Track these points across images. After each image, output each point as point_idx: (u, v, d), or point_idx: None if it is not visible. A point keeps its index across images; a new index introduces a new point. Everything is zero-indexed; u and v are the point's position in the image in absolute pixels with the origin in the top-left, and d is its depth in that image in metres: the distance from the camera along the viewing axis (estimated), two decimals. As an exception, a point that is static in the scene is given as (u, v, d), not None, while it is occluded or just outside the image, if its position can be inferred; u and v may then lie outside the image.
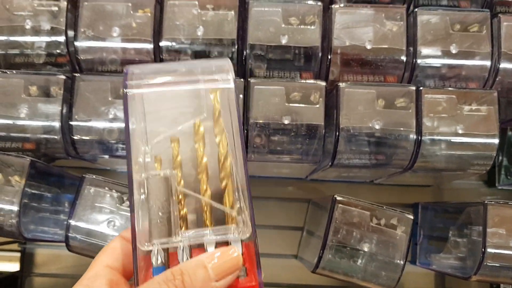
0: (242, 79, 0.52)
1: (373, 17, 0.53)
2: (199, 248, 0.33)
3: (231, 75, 0.34)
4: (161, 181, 0.32)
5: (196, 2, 0.53)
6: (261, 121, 0.51)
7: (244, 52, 0.53)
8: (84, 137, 0.52)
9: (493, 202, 0.49)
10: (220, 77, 0.34)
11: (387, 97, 0.52)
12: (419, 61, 0.52)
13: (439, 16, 0.53)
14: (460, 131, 0.51)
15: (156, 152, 0.34)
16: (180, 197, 0.33)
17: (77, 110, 0.52)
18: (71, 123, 0.52)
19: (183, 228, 0.33)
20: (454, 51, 0.52)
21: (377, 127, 0.51)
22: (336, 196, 0.50)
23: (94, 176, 0.52)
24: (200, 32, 0.53)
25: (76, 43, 0.53)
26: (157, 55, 0.53)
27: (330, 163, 0.52)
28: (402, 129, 0.51)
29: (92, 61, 0.54)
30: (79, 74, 0.53)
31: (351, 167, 0.54)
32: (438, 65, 0.52)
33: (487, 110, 0.51)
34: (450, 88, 0.52)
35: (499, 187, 0.67)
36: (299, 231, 0.70)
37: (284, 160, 0.53)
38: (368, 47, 0.52)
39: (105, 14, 0.53)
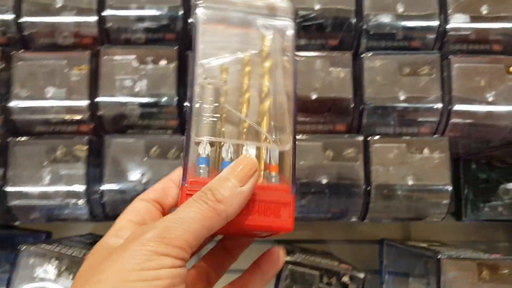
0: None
1: (321, 65, 0.50)
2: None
3: (292, 21, 0.36)
4: (214, 89, 0.35)
5: (134, 56, 0.51)
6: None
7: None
8: (19, 203, 0.50)
9: (446, 256, 0.47)
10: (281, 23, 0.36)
11: (336, 148, 0.50)
12: (366, 107, 0.50)
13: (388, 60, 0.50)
14: (410, 182, 0.49)
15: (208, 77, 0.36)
16: (224, 115, 0.36)
17: (12, 175, 0.50)
18: (4, 189, 0.50)
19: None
20: (403, 98, 0.49)
21: (324, 181, 0.49)
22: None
23: (32, 248, 0.49)
24: (138, 87, 0.50)
25: (9, 104, 0.50)
26: (94, 111, 0.51)
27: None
28: (349, 182, 0.49)
29: (28, 122, 0.51)
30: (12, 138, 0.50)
31: (305, 220, 0.52)
32: (388, 113, 0.50)
33: (439, 158, 0.49)
34: (402, 138, 0.50)
35: (466, 221, 0.65)
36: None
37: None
38: (313, 97, 0.50)
39: (40, 74, 0.51)
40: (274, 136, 0.35)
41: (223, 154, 0.34)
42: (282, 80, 0.36)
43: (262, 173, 0.35)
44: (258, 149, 0.34)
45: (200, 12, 0.35)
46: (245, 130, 0.36)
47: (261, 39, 0.36)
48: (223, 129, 0.36)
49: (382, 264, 0.65)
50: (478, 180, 0.63)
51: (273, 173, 0.34)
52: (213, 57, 0.37)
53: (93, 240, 0.62)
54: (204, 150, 0.34)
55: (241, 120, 0.37)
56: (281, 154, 0.34)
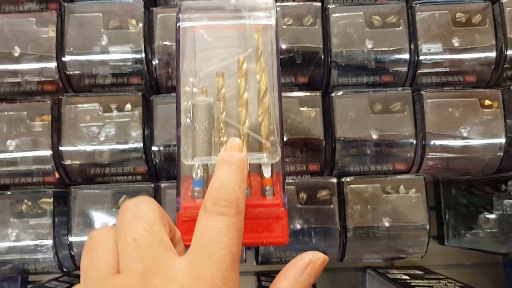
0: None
1: (291, 105, 0.49)
2: None
3: (274, 13, 0.38)
4: (205, 107, 0.37)
5: (97, 104, 0.49)
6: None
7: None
8: (-13, 261, 0.48)
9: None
10: (263, 14, 0.39)
11: (309, 191, 0.49)
12: (338, 146, 0.49)
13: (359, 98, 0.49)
14: (387, 223, 0.48)
15: (203, 85, 0.39)
16: (221, 125, 0.39)
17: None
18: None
19: None
20: (375, 136, 0.48)
21: (298, 226, 0.47)
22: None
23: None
24: (103, 135, 0.49)
25: (-30, 159, 0.49)
26: (58, 161, 0.49)
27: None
28: (326, 225, 0.48)
29: (-10, 176, 0.49)
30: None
31: (283, 262, 0.50)
32: (361, 151, 0.49)
33: (415, 197, 0.48)
34: (376, 177, 0.49)
35: (448, 246, 0.64)
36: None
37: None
38: (284, 138, 0.48)
39: (2, 126, 0.49)
40: (272, 138, 0.38)
41: None
42: (273, 74, 0.38)
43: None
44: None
45: (182, 24, 0.38)
46: (244, 137, 0.40)
47: (256, 32, 0.40)
48: (223, 139, 0.40)
49: (365, 292, 0.64)
50: (459, 205, 0.62)
51: (267, 187, 0.36)
52: (208, 62, 0.40)
53: (69, 282, 0.61)
54: (198, 172, 0.36)
55: (240, 130, 0.40)
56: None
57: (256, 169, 0.42)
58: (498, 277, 0.67)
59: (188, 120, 0.38)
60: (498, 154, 0.49)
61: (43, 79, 0.50)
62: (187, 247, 0.35)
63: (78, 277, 0.64)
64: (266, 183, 0.37)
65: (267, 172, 0.37)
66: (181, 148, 0.37)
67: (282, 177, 0.36)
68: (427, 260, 0.66)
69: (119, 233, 0.26)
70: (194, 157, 0.37)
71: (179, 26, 0.39)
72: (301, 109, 0.49)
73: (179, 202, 0.36)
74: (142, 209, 0.26)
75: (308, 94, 0.49)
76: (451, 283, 0.53)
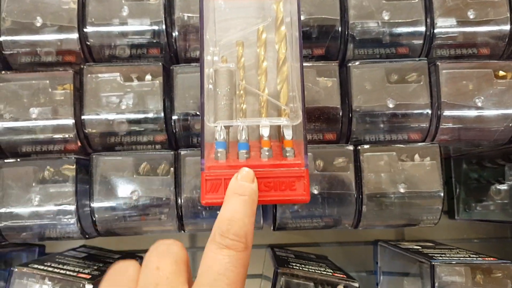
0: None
1: (308, 75, 0.50)
2: (255, 140, 0.41)
3: None
4: (227, 72, 0.38)
5: (119, 73, 0.50)
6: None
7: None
8: (10, 225, 0.50)
9: (439, 262, 0.47)
10: None
11: (326, 158, 0.50)
12: (355, 116, 0.49)
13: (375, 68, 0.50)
14: (402, 189, 0.49)
15: (223, 54, 0.41)
16: (242, 92, 0.40)
17: (0, 196, 0.50)
18: (-5, 212, 0.49)
19: (242, 118, 0.40)
20: (391, 106, 0.49)
21: (315, 192, 0.49)
22: (278, 269, 0.48)
23: (24, 269, 0.49)
24: (124, 104, 0.50)
25: (-6, 126, 0.50)
26: (80, 130, 0.50)
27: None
28: (342, 191, 0.49)
29: (14, 143, 0.50)
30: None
31: (299, 229, 0.52)
32: (377, 121, 0.50)
33: (430, 164, 0.49)
34: (392, 145, 0.50)
35: (458, 220, 0.65)
36: (258, 278, 0.69)
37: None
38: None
39: (24, 94, 0.50)
40: (292, 105, 0.39)
41: (238, 136, 0.38)
42: (294, 45, 0.39)
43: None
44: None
45: None
46: (263, 104, 0.41)
47: (276, 3, 0.41)
48: (244, 106, 0.41)
49: (377, 265, 0.65)
50: (470, 179, 0.63)
51: (288, 148, 0.37)
52: (228, 32, 0.42)
53: (87, 253, 0.62)
54: (220, 134, 0.37)
55: (260, 97, 0.41)
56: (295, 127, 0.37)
57: (274, 135, 0.43)
58: (507, 250, 0.68)
59: (210, 86, 0.39)
60: (511, 124, 0.50)
61: (64, 50, 0.51)
62: (208, 205, 0.37)
63: (94, 248, 0.65)
64: (287, 145, 0.38)
65: (288, 134, 0.39)
66: (204, 112, 0.38)
67: (304, 139, 0.37)
68: (437, 234, 0.68)
69: (145, 261, 0.28)
70: (217, 120, 0.38)
71: None
72: (318, 79, 0.50)
73: (203, 163, 0.37)
74: (174, 248, 0.29)
75: (325, 64, 0.50)
76: (463, 251, 0.54)
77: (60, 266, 0.51)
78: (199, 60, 0.50)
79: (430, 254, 0.51)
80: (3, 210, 0.49)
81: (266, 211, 0.51)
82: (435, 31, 0.50)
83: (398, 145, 0.50)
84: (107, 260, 0.59)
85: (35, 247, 0.64)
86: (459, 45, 0.51)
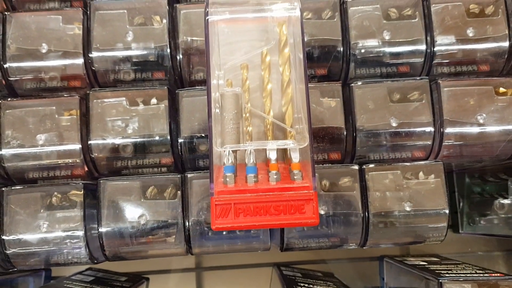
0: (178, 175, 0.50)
1: (311, 96, 0.50)
2: (262, 162, 0.41)
3: (298, 5, 0.40)
4: (233, 96, 0.39)
5: (124, 98, 0.50)
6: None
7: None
8: (18, 251, 0.50)
9: (447, 279, 0.48)
10: (288, 7, 0.41)
11: (331, 178, 0.50)
12: (359, 135, 0.50)
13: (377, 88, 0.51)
14: (407, 207, 0.49)
15: (228, 77, 0.42)
16: (248, 115, 0.41)
17: (8, 223, 0.50)
18: (1, 237, 0.49)
19: (249, 141, 0.40)
20: (394, 124, 0.50)
21: (322, 212, 0.49)
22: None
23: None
24: (130, 128, 0.50)
25: (1, 152, 0.50)
26: (87, 155, 0.50)
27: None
28: (348, 211, 0.49)
29: (20, 169, 0.51)
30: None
31: (306, 249, 0.52)
32: (381, 140, 0.50)
33: (434, 182, 0.50)
34: (396, 164, 0.50)
35: (463, 234, 0.66)
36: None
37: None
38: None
39: (30, 121, 0.50)
40: (298, 126, 0.40)
41: (246, 160, 0.38)
42: (298, 67, 0.40)
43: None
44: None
45: (211, 17, 0.41)
46: (269, 126, 0.42)
47: (278, 26, 0.42)
48: (249, 128, 0.42)
49: (383, 281, 0.65)
50: (473, 193, 0.64)
51: (296, 171, 0.38)
52: (232, 55, 0.42)
53: (93, 276, 0.62)
54: (229, 158, 0.38)
55: (265, 120, 0.42)
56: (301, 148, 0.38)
57: (280, 157, 0.43)
58: (511, 264, 0.69)
59: (217, 110, 0.40)
60: (513, 140, 0.50)
61: (69, 75, 0.52)
62: (218, 230, 0.37)
63: (100, 271, 0.65)
64: (294, 168, 0.39)
65: (295, 157, 0.39)
66: (212, 136, 0.38)
67: (311, 161, 0.38)
68: (441, 248, 0.68)
69: None
70: (224, 144, 0.38)
71: (207, 20, 0.41)
72: (322, 99, 0.51)
73: (213, 188, 0.37)
74: None
75: (328, 84, 0.50)
76: (469, 267, 0.55)
77: (69, 292, 0.51)
78: (203, 82, 0.51)
79: (437, 271, 0.51)
80: (11, 237, 0.49)
81: (273, 232, 0.52)
82: (435, 49, 0.51)
83: (403, 164, 0.50)
84: (114, 284, 0.59)
85: (42, 272, 0.64)
86: (459, 62, 0.52)
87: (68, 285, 0.54)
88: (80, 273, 0.62)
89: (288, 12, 0.43)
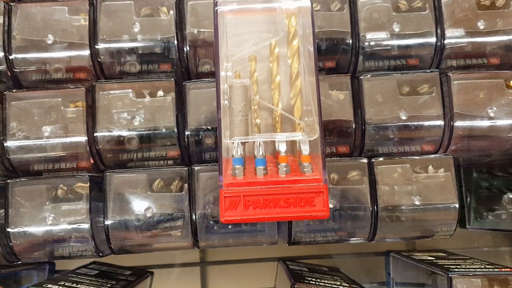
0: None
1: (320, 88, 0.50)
2: (271, 155, 0.41)
3: None
4: (241, 88, 0.38)
5: (131, 89, 0.50)
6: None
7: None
8: (23, 244, 0.49)
9: (456, 274, 0.47)
10: None
11: (340, 171, 0.50)
12: (368, 128, 0.49)
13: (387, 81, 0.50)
14: (417, 201, 0.49)
15: (236, 69, 0.41)
16: (256, 107, 0.41)
17: (14, 216, 0.49)
18: (7, 230, 0.49)
19: (257, 133, 0.40)
20: (404, 118, 0.49)
21: (330, 206, 0.48)
22: (295, 285, 0.48)
23: None
24: (136, 121, 0.50)
25: (6, 144, 0.49)
26: (93, 147, 0.50)
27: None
28: (357, 204, 0.49)
29: (26, 161, 0.50)
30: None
31: (313, 243, 0.51)
32: (390, 133, 0.50)
33: (444, 176, 0.49)
34: (406, 157, 0.50)
35: (470, 229, 0.65)
36: (271, 292, 0.68)
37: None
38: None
39: (35, 112, 0.50)
40: (307, 119, 0.39)
41: (255, 152, 0.38)
42: (308, 59, 0.39)
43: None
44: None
45: (220, 8, 0.40)
46: (277, 119, 0.42)
47: (287, 17, 0.41)
48: (258, 121, 0.42)
49: (389, 276, 0.65)
50: (480, 188, 0.63)
51: (305, 163, 0.37)
52: (240, 47, 0.42)
53: (98, 270, 0.62)
54: (237, 150, 0.37)
55: (274, 112, 0.41)
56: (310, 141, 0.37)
57: (289, 150, 0.43)
58: (518, 259, 0.68)
59: (225, 102, 0.39)
60: (523, 134, 0.50)
61: (75, 67, 0.51)
62: (227, 222, 0.37)
63: (105, 264, 0.65)
64: (304, 160, 0.38)
65: (305, 150, 0.39)
66: (221, 129, 0.38)
67: (322, 153, 0.37)
68: (448, 243, 0.67)
69: None
70: (233, 136, 0.38)
71: (216, 10, 0.40)
72: (330, 92, 0.50)
73: (222, 180, 0.37)
74: None
75: (337, 77, 0.50)
76: (477, 262, 0.54)
77: (74, 285, 0.51)
78: (210, 75, 0.51)
79: (446, 266, 0.51)
80: (16, 229, 0.49)
81: (280, 226, 0.51)
82: (445, 42, 0.51)
83: (412, 157, 0.50)
84: (119, 277, 0.59)
85: (45, 265, 0.64)
86: (469, 55, 0.52)
87: (72, 279, 0.54)
88: (85, 266, 0.62)
89: (297, 3, 0.42)
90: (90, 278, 0.56)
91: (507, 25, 0.50)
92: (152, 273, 0.66)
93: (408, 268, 0.61)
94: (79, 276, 0.55)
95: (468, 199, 0.65)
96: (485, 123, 0.49)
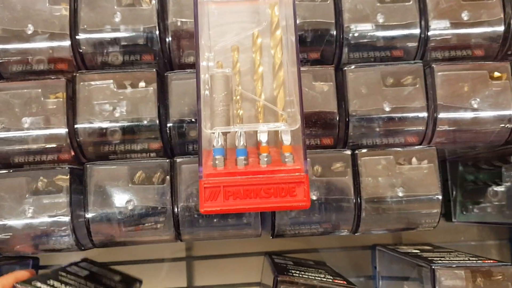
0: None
1: (304, 80, 0.50)
2: (253, 147, 0.41)
3: None
4: (223, 78, 0.38)
5: (112, 80, 0.49)
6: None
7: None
8: (3, 237, 0.49)
9: (439, 266, 0.47)
10: None
11: (324, 163, 0.49)
12: (351, 120, 0.49)
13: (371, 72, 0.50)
14: (400, 193, 0.48)
15: (218, 59, 0.41)
16: (238, 97, 0.40)
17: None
18: (-12, 225, 0.48)
19: (239, 123, 0.40)
20: (388, 109, 0.49)
21: (314, 198, 0.48)
22: (278, 277, 0.48)
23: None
24: (118, 112, 0.49)
25: (-15, 137, 0.49)
26: (73, 139, 0.49)
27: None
28: (341, 196, 0.49)
29: (6, 153, 0.49)
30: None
31: (297, 236, 0.51)
32: (373, 125, 0.49)
33: (428, 167, 0.49)
34: (389, 149, 0.50)
35: (455, 222, 0.65)
36: (256, 286, 0.68)
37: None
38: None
39: (15, 103, 0.49)
40: (289, 110, 0.39)
41: (236, 142, 0.37)
42: (291, 49, 0.39)
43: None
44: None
45: None
46: (260, 110, 0.41)
47: (270, 7, 0.41)
48: (240, 112, 0.41)
49: (375, 270, 0.65)
50: (466, 181, 0.63)
51: (287, 154, 0.37)
52: (222, 37, 0.41)
53: (88, 270, 0.61)
54: (218, 141, 0.37)
55: (256, 102, 0.41)
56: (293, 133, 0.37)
57: (272, 141, 0.42)
58: (503, 252, 0.68)
59: (206, 92, 0.39)
60: (507, 125, 0.50)
61: (56, 57, 0.50)
62: (207, 213, 0.36)
63: (96, 264, 0.64)
64: (285, 150, 0.38)
65: (286, 140, 0.38)
66: (201, 118, 0.37)
67: (303, 144, 0.37)
68: (434, 236, 0.67)
69: None
70: (214, 126, 0.37)
71: (196, 0, 0.40)
72: (314, 83, 0.50)
73: (201, 171, 0.37)
74: None
75: (321, 68, 0.50)
76: (462, 254, 0.54)
77: (63, 286, 0.50)
78: (193, 66, 0.50)
79: (430, 258, 0.51)
80: (-4, 222, 0.48)
81: (265, 218, 0.51)
82: (429, 33, 0.50)
83: (396, 149, 0.49)
84: (108, 283, 0.58)
85: (29, 260, 0.63)
86: (454, 47, 0.51)
87: (62, 278, 0.53)
88: (76, 264, 0.61)
89: None
90: (79, 281, 0.55)
91: (491, 16, 0.50)
92: (141, 282, 0.66)
93: (393, 261, 0.61)
94: (68, 276, 0.55)
95: (454, 193, 0.65)
96: (469, 114, 0.49)
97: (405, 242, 0.69)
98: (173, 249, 0.69)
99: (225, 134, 0.39)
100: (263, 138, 0.38)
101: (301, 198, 0.36)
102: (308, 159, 0.47)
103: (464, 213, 0.64)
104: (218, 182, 0.36)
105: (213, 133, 0.38)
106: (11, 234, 0.49)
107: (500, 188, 0.55)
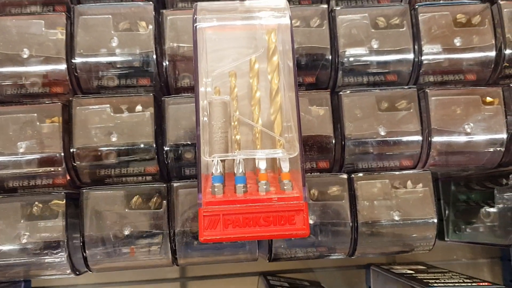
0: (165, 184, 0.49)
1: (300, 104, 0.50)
2: (251, 171, 0.40)
3: (288, 13, 0.40)
4: (221, 105, 0.38)
5: (108, 105, 0.49)
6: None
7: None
8: (-3, 265, 0.48)
9: (436, 289, 0.48)
10: (277, 15, 0.40)
11: (320, 187, 0.50)
12: (347, 144, 0.50)
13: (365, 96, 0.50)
14: (396, 217, 0.49)
15: (216, 85, 0.41)
16: (236, 123, 0.40)
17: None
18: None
19: (237, 150, 0.39)
20: (383, 133, 0.49)
21: (310, 222, 0.48)
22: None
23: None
24: (114, 136, 0.49)
25: (-21, 161, 0.48)
26: (69, 163, 0.49)
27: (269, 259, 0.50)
28: (337, 220, 0.49)
29: (0, 178, 0.49)
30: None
31: (293, 259, 0.51)
32: (369, 148, 0.50)
33: (423, 191, 0.50)
34: (385, 173, 0.50)
35: (448, 242, 0.66)
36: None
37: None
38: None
39: (11, 128, 0.49)
40: (287, 135, 0.39)
41: (235, 169, 0.37)
42: (288, 75, 0.39)
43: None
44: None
45: (199, 24, 0.40)
46: (257, 135, 0.41)
47: (267, 34, 0.41)
48: (238, 137, 0.41)
49: (369, 290, 0.65)
50: (458, 201, 0.64)
51: (286, 181, 0.37)
52: (220, 63, 0.42)
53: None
54: (217, 168, 0.37)
55: (254, 128, 0.41)
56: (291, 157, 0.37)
57: (269, 165, 0.42)
58: (495, 272, 0.69)
59: (205, 119, 0.39)
60: (499, 149, 0.51)
61: (51, 81, 0.50)
62: (206, 242, 0.36)
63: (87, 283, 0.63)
64: (284, 177, 0.38)
65: (285, 167, 0.38)
66: (201, 146, 0.37)
67: (302, 171, 0.37)
68: (427, 255, 0.68)
69: None
70: (212, 153, 0.38)
71: (196, 27, 0.40)
72: (310, 107, 0.50)
73: (201, 198, 0.37)
74: None
75: (317, 92, 0.50)
76: (456, 275, 0.55)
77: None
78: (190, 89, 0.50)
79: (425, 280, 0.51)
80: (-11, 248, 0.47)
81: (261, 242, 0.51)
82: (423, 58, 0.51)
83: (391, 172, 0.50)
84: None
85: (21, 282, 0.62)
86: (446, 71, 0.52)
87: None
88: None
89: (277, 20, 0.42)
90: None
91: (482, 42, 0.51)
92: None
93: (388, 281, 0.61)
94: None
95: (447, 212, 0.66)
96: (462, 138, 0.50)
97: (399, 261, 0.69)
98: (167, 270, 0.69)
99: (223, 160, 0.39)
100: (261, 165, 0.38)
101: (301, 226, 0.36)
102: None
103: (457, 232, 0.64)
104: (218, 210, 0.36)
105: (212, 160, 0.38)
106: (5, 260, 0.48)
107: (492, 209, 0.56)
